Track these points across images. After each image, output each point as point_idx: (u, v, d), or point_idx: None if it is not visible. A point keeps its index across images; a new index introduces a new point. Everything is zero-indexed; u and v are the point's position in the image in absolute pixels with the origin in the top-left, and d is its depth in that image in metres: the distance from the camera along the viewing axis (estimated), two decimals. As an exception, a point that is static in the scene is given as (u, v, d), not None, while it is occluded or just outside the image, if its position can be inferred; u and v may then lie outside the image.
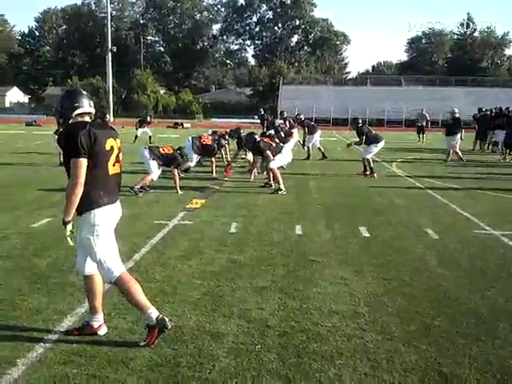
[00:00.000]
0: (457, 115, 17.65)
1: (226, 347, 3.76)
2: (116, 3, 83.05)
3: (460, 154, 17.37)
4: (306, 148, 17.32)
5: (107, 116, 20.18)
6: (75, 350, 3.68)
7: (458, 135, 17.26)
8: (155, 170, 10.32)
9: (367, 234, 7.16)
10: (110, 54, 51.51)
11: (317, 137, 17.33)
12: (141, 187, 10.08)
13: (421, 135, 27.48)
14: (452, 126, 17.46)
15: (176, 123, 40.87)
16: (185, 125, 40.64)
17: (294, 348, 3.79)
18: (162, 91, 69.11)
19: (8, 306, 4.43)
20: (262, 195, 10.21)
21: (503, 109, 21.57)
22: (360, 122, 13.71)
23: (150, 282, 5.06)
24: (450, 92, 57.42)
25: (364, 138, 13.25)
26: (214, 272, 5.42)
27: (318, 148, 17.39)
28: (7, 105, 75.47)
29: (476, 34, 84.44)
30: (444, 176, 13.55)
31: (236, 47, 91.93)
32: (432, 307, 4.58)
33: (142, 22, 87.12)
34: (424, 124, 27.90)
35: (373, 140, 13.25)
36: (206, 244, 6.50)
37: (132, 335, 3.91)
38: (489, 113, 22.37)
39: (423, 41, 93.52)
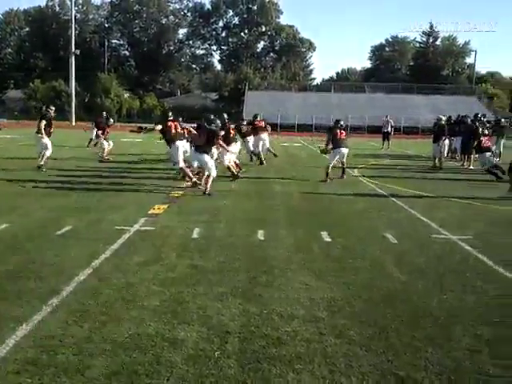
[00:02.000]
0: (442, 122, 18.04)
1: (184, 354, 3.74)
2: (80, 6, 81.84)
3: (442, 161, 17.85)
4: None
5: (110, 120, 19.91)
6: (30, 359, 3.61)
7: (446, 141, 17.78)
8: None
9: (328, 239, 7.23)
10: (73, 57, 50.82)
11: (256, 141, 17.67)
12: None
13: (385, 141, 28.01)
14: (437, 133, 17.83)
15: (140, 127, 40.35)
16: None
17: (254, 353, 3.79)
18: (126, 95, 68.37)
19: (-39, 315, 4.31)
20: (225, 200, 10.20)
21: (463, 116, 22.02)
22: (342, 123, 13.91)
23: (109, 288, 5.00)
24: (411, 99, 58.60)
25: (330, 138, 13.43)
26: (175, 278, 5.38)
27: (253, 152, 17.66)
28: (-33, 107, 73.53)
29: (438, 42, 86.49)
30: (405, 182, 13.77)
31: (202, 52, 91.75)
32: (390, 311, 4.65)
33: (106, 25, 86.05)
34: (389, 130, 28.47)
35: (336, 145, 13.40)
36: (167, 250, 6.44)
37: (89, 343, 3.85)
38: (446, 120, 22.81)
39: (386, 49, 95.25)
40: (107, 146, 17.88)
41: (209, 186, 10.72)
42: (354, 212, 9.45)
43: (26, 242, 6.55)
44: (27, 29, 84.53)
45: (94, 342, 3.85)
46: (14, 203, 9.06)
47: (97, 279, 5.25)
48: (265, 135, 17.95)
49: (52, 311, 4.37)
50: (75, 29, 56.40)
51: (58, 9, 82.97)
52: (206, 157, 11.00)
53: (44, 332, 4.01)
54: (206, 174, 11.06)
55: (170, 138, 11.94)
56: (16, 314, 4.34)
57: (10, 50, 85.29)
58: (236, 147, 14.43)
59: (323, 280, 5.45)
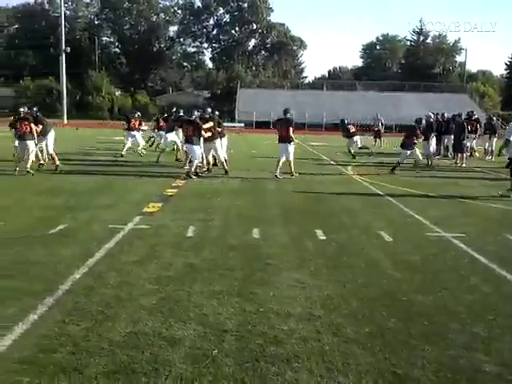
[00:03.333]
0: (431, 120, 18.08)
1: (182, 353, 3.73)
2: (70, 3, 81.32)
3: (433, 159, 17.93)
4: None
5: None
6: (27, 358, 3.58)
7: (433, 140, 17.89)
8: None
9: (323, 237, 7.23)
10: (63, 55, 50.51)
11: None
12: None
13: (377, 139, 27.75)
14: (426, 131, 17.87)
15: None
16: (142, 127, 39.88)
17: (251, 352, 3.79)
18: (117, 93, 68.07)
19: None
20: (219, 198, 10.18)
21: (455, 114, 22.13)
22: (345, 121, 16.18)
23: (104, 287, 4.98)
24: (402, 97, 58.78)
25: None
26: (171, 277, 5.37)
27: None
28: (-44, 106, 72.79)
29: (428, 40, 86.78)
30: (398, 180, 13.81)
31: (193, 50, 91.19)
32: (386, 309, 4.66)
33: (96, 22, 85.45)
34: (380, 128, 28.42)
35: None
36: (162, 248, 6.42)
37: (86, 342, 3.83)
38: (440, 118, 22.90)
39: (377, 47, 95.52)
40: (142, 140, 19.72)
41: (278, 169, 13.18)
42: (347, 209, 9.44)
43: (17, 241, 6.52)
44: (16, 26, 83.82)
45: (91, 341, 3.83)
46: (3, 202, 8.99)
47: (91, 278, 5.23)
48: None
49: (48, 310, 4.34)
50: (65, 26, 56.01)
51: (47, 6, 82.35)
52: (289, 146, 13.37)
53: (40, 331, 3.99)
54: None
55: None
56: (10, 313, 4.31)
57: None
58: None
59: (319, 278, 5.45)
